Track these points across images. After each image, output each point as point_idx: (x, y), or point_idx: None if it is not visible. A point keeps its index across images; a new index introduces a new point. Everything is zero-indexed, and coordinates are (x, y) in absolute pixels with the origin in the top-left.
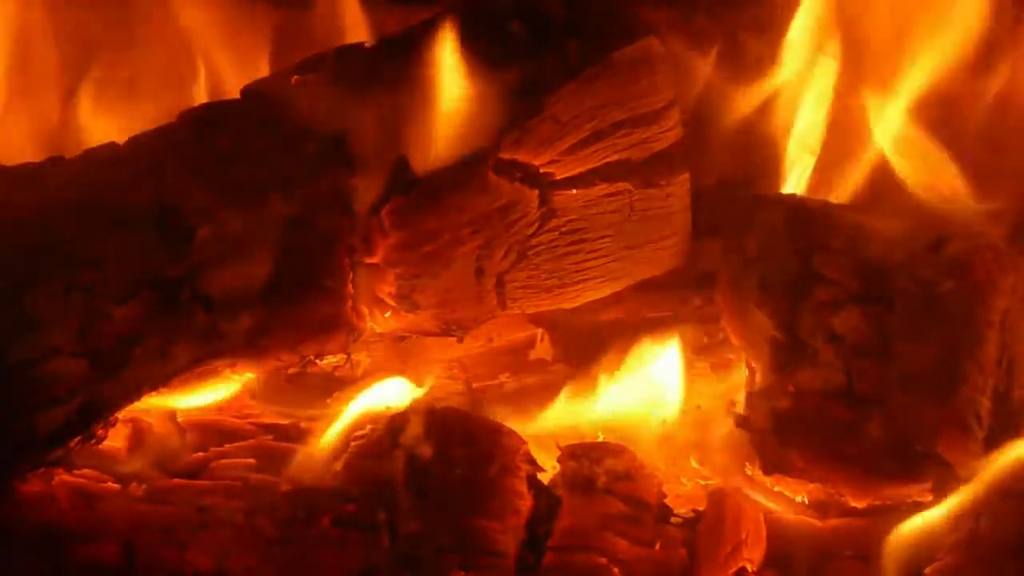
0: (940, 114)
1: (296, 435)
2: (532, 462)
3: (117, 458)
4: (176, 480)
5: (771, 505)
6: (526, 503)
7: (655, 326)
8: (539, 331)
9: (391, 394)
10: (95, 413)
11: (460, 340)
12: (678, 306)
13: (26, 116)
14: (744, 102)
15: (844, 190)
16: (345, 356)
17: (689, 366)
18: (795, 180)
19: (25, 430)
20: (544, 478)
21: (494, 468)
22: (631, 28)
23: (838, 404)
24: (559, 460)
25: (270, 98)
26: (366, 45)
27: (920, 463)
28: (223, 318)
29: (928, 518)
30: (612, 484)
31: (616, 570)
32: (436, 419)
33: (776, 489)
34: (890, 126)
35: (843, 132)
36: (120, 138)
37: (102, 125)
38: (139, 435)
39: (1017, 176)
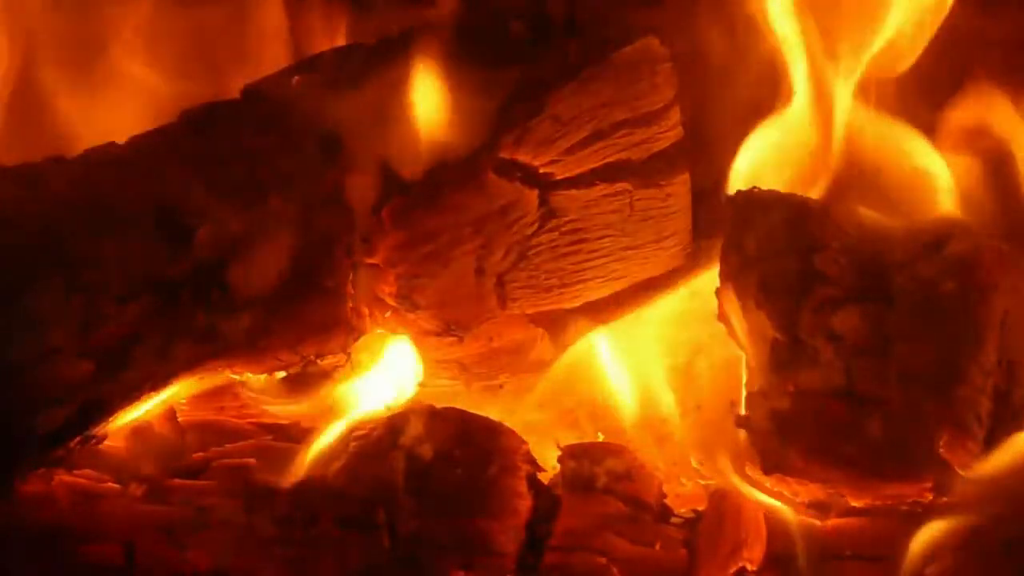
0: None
1: (296, 435)
2: (532, 462)
3: (117, 458)
4: (176, 480)
5: (771, 505)
6: (526, 503)
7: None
8: (539, 331)
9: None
10: (95, 413)
11: (460, 340)
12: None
13: None
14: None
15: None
16: (345, 356)
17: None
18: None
19: (25, 430)
20: (544, 478)
21: (494, 468)
22: (631, 28)
23: (838, 404)
24: (559, 460)
25: (270, 98)
26: (366, 45)
27: (920, 463)
28: (223, 318)
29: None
30: (612, 484)
31: (616, 570)
32: (436, 419)
33: (776, 489)
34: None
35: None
36: None
37: None
38: (139, 435)
39: None
